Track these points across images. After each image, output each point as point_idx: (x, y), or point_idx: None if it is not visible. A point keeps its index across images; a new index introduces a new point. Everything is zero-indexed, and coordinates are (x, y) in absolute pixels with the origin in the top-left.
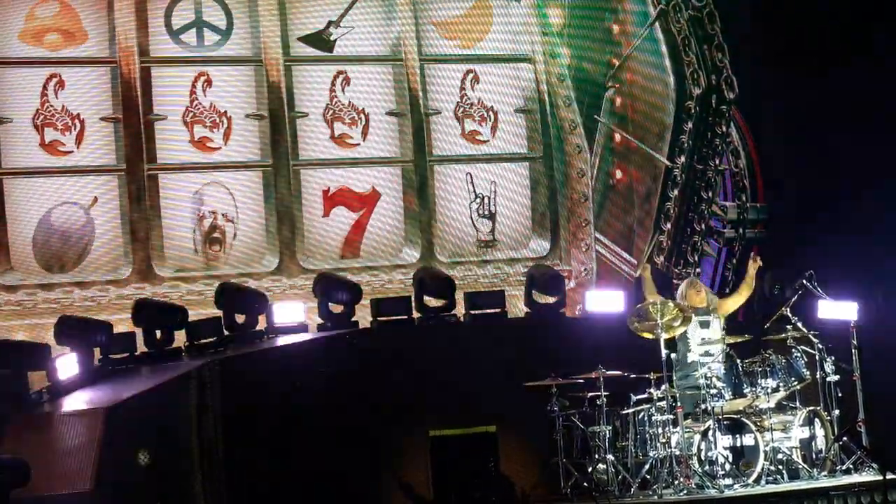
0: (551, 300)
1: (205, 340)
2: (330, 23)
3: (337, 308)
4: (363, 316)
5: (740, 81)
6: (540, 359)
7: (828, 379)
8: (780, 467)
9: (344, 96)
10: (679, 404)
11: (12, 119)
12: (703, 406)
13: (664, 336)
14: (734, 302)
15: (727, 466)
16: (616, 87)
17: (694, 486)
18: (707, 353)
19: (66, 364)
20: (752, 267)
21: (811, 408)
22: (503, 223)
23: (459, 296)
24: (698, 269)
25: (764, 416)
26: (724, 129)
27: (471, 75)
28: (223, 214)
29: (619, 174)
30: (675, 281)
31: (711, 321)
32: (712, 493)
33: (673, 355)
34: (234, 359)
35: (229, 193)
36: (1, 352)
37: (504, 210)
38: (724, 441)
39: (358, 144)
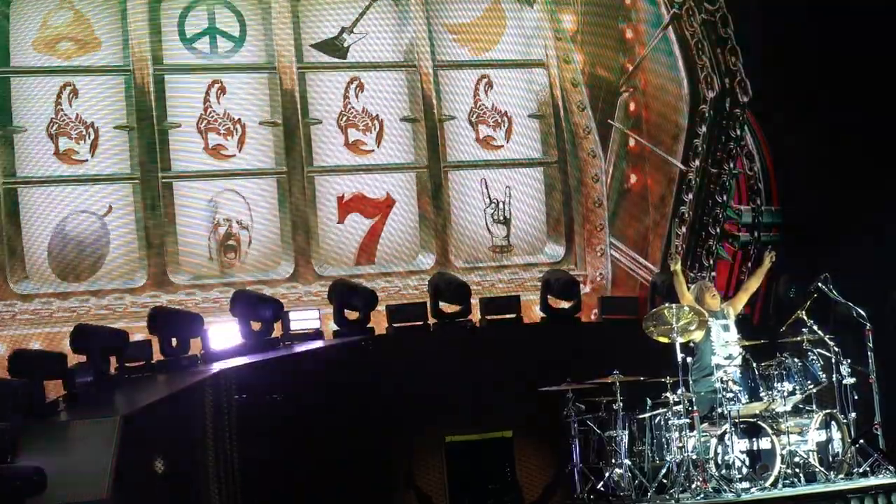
0: (567, 305)
1: (220, 348)
2: (343, 29)
3: (352, 314)
4: (379, 322)
5: (754, 84)
6: (555, 364)
7: (844, 382)
8: (797, 470)
9: (358, 103)
10: (695, 408)
11: (26, 128)
12: (719, 410)
13: (680, 340)
14: (744, 295)
15: (744, 470)
16: (630, 91)
17: (711, 490)
18: (729, 356)
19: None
20: (767, 260)
21: (827, 411)
22: (518, 228)
23: (475, 301)
24: (713, 273)
25: (780, 420)
26: (738, 132)
27: (484, 80)
28: (238, 222)
29: (633, 178)
30: (689, 285)
31: (730, 324)
32: (729, 497)
33: (689, 359)
34: (250, 366)
35: (244, 201)
36: (17, 361)
37: (519, 215)
38: (741, 445)
39: (372, 151)
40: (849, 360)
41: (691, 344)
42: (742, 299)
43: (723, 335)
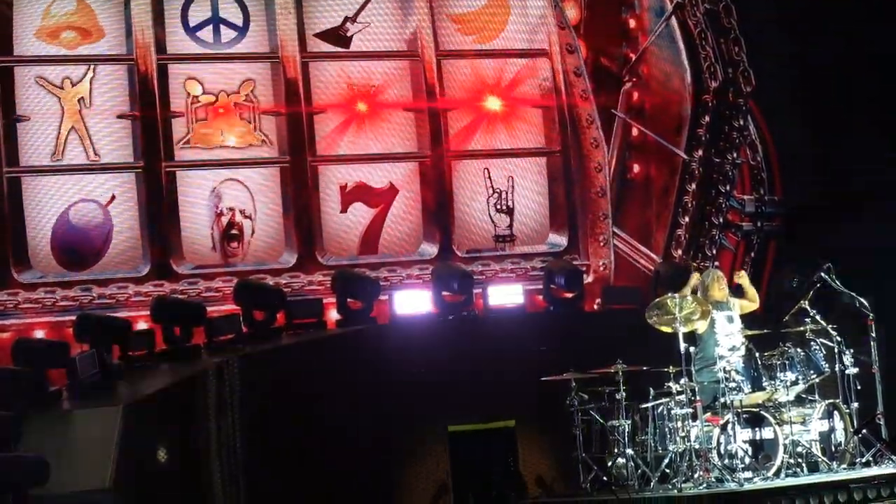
0: (570, 294)
1: (223, 337)
2: (346, 18)
3: (355, 304)
4: (382, 311)
5: (757, 74)
6: (558, 353)
7: (846, 371)
8: (800, 460)
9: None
10: (698, 398)
11: (30, 117)
12: (722, 399)
13: (683, 330)
14: (744, 308)
15: (746, 460)
16: (633, 81)
17: (713, 479)
18: (733, 348)
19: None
20: (744, 282)
21: (830, 401)
22: (521, 218)
23: (477, 290)
24: (716, 263)
25: (783, 410)
26: (741, 122)
27: (489, 71)
28: (241, 211)
29: (636, 168)
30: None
31: (734, 316)
32: (732, 487)
33: (692, 349)
34: (253, 355)
35: (247, 190)
36: (20, 350)
37: (522, 205)
38: (744, 434)
39: (375, 140)
40: (851, 350)
41: (699, 334)
42: (746, 308)
43: (727, 326)
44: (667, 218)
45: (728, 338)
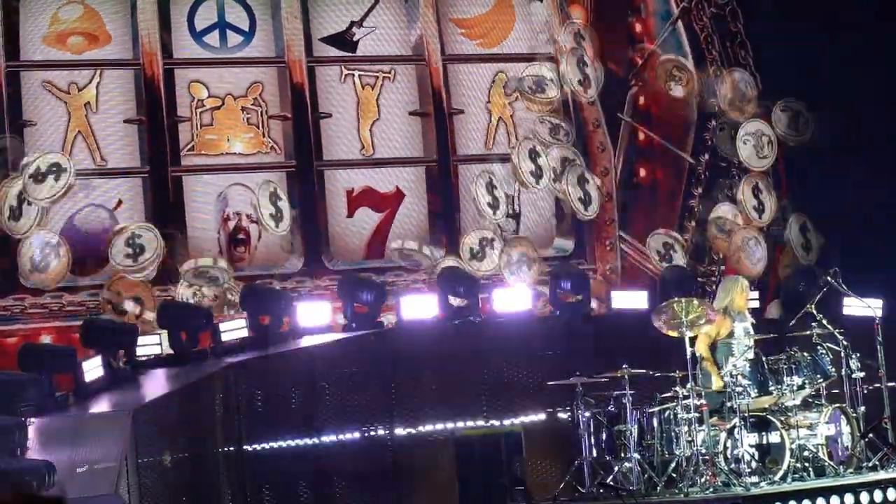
0: (576, 299)
1: (230, 341)
2: (352, 23)
3: (362, 308)
4: (388, 316)
5: (763, 78)
6: (565, 358)
7: (853, 376)
8: (807, 465)
9: (367, 96)
10: (704, 402)
11: (37, 122)
12: (728, 404)
13: (689, 334)
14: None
15: (753, 464)
16: (639, 85)
17: (720, 484)
18: (747, 360)
19: (92, 367)
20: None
21: (837, 405)
22: (527, 222)
23: (484, 295)
24: (723, 267)
25: (789, 414)
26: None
27: (499, 75)
28: (247, 216)
29: (642, 172)
30: (699, 279)
31: (750, 328)
32: (738, 491)
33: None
34: (260, 360)
35: (254, 195)
36: (27, 355)
37: (528, 209)
38: (750, 439)
39: (381, 145)
40: (858, 354)
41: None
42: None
43: (745, 341)
44: (673, 222)
45: (742, 349)
